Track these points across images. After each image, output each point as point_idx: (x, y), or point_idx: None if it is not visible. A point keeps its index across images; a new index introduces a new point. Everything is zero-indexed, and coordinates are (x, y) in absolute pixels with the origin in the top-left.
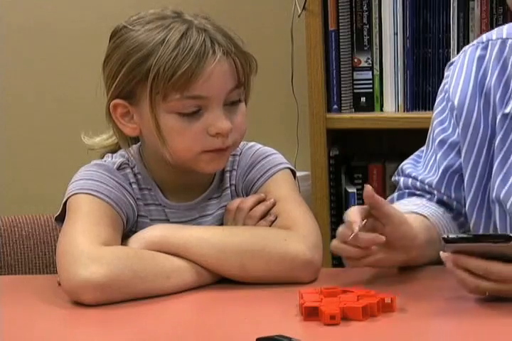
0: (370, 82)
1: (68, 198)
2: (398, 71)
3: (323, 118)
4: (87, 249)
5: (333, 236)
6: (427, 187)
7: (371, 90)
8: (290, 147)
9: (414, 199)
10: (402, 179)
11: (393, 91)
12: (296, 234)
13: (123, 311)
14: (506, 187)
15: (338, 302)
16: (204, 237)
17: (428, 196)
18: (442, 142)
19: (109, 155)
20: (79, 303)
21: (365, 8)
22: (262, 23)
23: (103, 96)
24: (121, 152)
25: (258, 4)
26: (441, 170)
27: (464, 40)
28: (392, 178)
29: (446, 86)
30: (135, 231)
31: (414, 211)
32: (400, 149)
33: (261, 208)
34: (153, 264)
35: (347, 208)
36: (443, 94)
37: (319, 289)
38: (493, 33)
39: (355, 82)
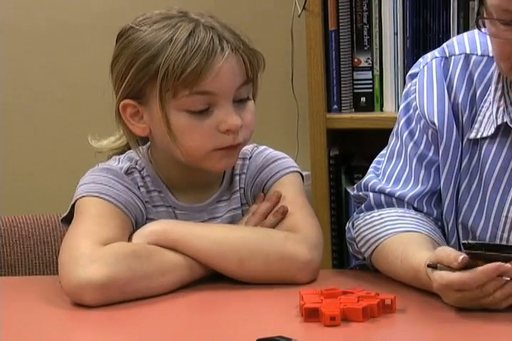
0: (370, 82)
1: (76, 201)
2: (398, 71)
3: (323, 118)
4: (86, 251)
5: (334, 236)
6: (406, 204)
7: (371, 90)
8: (290, 147)
9: (394, 211)
10: (371, 195)
11: (393, 91)
12: (296, 235)
13: (123, 312)
14: (473, 216)
15: (338, 303)
16: (204, 232)
17: (401, 207)
18: (421, 158)
19: (116, 158)
20: (79, 304)
21: (365, 8)
22: (262, 23)
23: (109, 98)
24: (128, 155)
25: (258, 4)
26: (423, 189)
27: None
28: (353, 193)
29: (415, 102)
30: None
31: (412, 229)
32: None
33: (271, 220)
34: (150, 262)
35: (347, 208)
36: (411, 109)
37: (320, 290)
38: (455, 46)
39: (355, 82)
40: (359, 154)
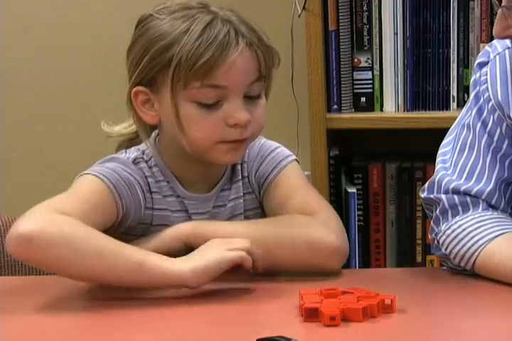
0: (370, 82)
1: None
2: (398, 71)
3: (323, 118)
4: (35, 211)
5: None
6: (481, 202)
7: (371, 90)
8: (290, 147)
9: (471, 218)
10: (444, 197)
11: (393, 91)
12: (317, 220)
13: (122, 313)
14: None
15: (338, 303)
16: (230, 229)
17: (477, 207)
18: (495, 151)
19: (123, 151)
20: (79, 305)
21: (365, 8)
22: (262, 23)
23: (119, 87)
24: (135, 147)
25: (258, 4)
26: (497, 183)
27: (464, 40)
28: (423, 195)
29: (488, 93)
30: (149, 224)
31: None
32: (400, 149)
33: None
34: (88, 236)
35: (347, 208)
36: (481, 98)
37: (319, 290)
38: None
39: (355, 82)
40: (359, 154)
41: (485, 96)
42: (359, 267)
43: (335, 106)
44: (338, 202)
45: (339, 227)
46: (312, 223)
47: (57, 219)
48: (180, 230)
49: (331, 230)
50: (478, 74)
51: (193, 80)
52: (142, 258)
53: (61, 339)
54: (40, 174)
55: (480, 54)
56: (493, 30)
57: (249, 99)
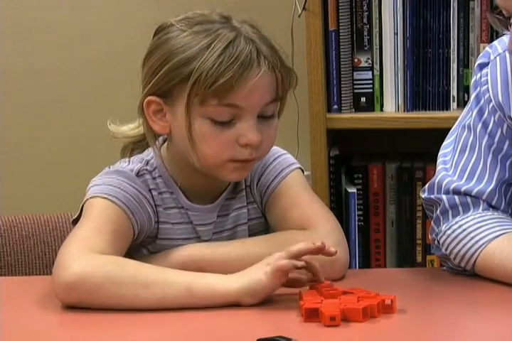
0: (370, 82)
1: (86, 202)
2: (398, 71)
3: (323, 118)
4: (74, 255)
5: None
6: (482, 203)
7: (371, 90)
8: (290, 147)
9: (471, 218)
10: (445, 197)
11: (393, 91)
12: (314, 236)
13: (122, 314)
14: None
15: (338, 303)
16: (225, 251)
17: (477, 207)
18: (496, 152)
19: (126, 160)
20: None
21: (365, 8)
22: (262, 23)
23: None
24: (138, 156)
25: (258, 4)
26: (497, 184)
27: (464, 40)
28: (424, 195)
29: (488, 94)
30: (155, 237)
31: (501, 233)
32: (400, 149)
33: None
34: (133, 272)
35: (347, 208)
36: (481, 99)
37: (320, 290)
38: None
39: (355, 82)
40: (359, 154)
41: (485, 97)
42: (359, 267)
43: (335, 106)
44: (338, 202)
45: (339, 239)
46: (310, 238)
47: (97, 260)
48: (175, 257)
49: (329, 244)
50: (478, 75)
51: (211, 98)
52: (188, 282)
53: (61, 337)
54: (40, 174)
55: (480, 55)
56: (507, 43)
57: (263, 118)
